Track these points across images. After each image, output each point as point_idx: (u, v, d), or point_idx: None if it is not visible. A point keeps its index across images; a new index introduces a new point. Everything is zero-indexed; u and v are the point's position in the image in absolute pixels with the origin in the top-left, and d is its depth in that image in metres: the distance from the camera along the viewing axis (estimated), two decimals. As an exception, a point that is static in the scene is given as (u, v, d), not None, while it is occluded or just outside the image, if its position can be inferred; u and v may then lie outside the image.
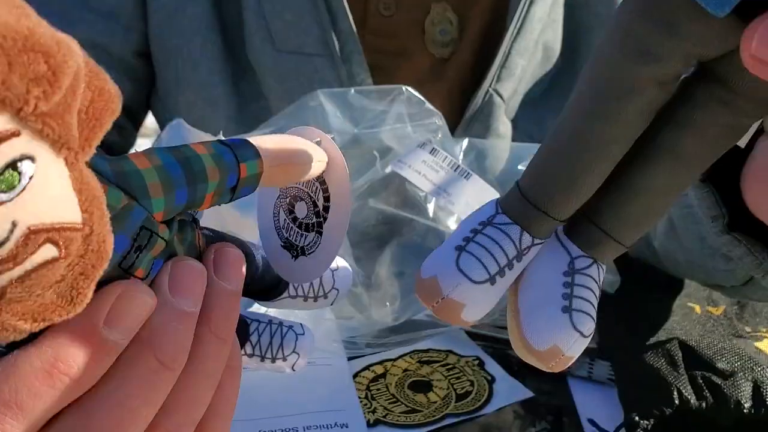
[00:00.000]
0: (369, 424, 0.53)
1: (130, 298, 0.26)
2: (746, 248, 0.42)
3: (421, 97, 0.62)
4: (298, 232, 0.35)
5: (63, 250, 0.22)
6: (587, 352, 0.61)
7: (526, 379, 0.58)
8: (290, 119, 0.62)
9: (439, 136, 0.61)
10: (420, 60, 0.74)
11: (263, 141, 0.31)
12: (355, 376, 0.58)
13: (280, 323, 0.39)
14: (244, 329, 0.38)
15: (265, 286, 0.37)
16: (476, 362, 0.60)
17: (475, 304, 0.30)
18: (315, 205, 0.34)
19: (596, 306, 0.31)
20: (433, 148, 0.60)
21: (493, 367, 0.59)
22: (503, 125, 0.75)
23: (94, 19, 0.73)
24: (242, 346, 0.38)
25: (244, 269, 0.31)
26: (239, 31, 0.74)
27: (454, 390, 0.57)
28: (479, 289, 0.30)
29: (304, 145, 0.32)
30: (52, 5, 0.72)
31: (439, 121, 0.61)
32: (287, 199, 0.35)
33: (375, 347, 0.60)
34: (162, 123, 0.82)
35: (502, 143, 0.68)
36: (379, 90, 0.63)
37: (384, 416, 0.54)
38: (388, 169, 0.59)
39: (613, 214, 0.30)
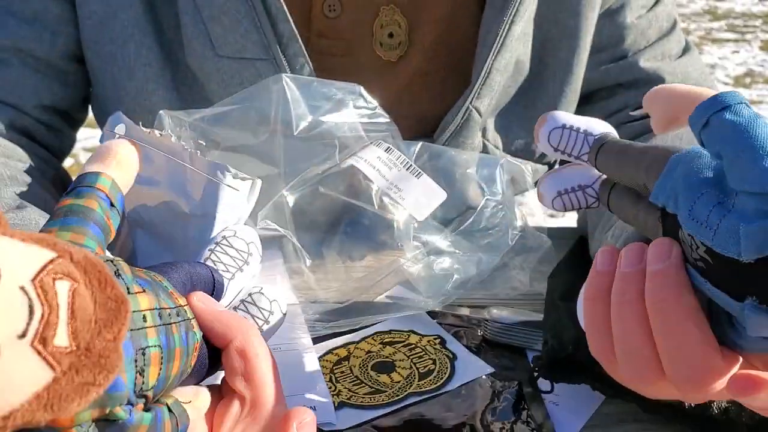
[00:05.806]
0: (334, 407, 0.55)
1: None
2: None
3: (375, 102, 0.64)
4: None
5: None
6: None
7: (487, 356, 0.61)
8: (251, 98, 0.62)
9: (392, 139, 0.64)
10: (367, 62, 0.75)
11: (92, 161, 0.41)
12: (318, 360, 0.60)
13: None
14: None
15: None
16: (437, 341, 0.62)
17: None
18: None
19: None
20: (389, 147, 0.63)
21: (454, 345, 0.62)
22: (477, 139, 0.76)
23: (16, 24, 0.71)
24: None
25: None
26: (177, 35, 0.72)
27: (417, 369, 0.59)
28: None
29: (117, 149, 0.42)
30: None
31: (391, 126, 0.64)
32: None
33: (331, 328, 0.62)
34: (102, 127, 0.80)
35: (453, 150, 0.69)
36: (338, 86, 0.64)
37: (348, 398, 0.56)
38: (345, 164, 0.61)
39: None
